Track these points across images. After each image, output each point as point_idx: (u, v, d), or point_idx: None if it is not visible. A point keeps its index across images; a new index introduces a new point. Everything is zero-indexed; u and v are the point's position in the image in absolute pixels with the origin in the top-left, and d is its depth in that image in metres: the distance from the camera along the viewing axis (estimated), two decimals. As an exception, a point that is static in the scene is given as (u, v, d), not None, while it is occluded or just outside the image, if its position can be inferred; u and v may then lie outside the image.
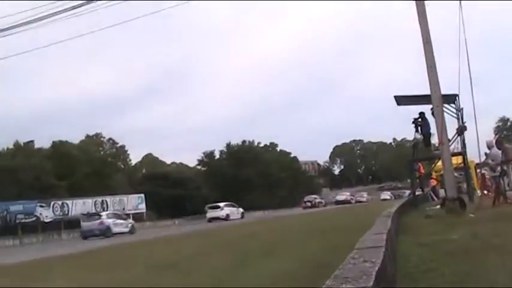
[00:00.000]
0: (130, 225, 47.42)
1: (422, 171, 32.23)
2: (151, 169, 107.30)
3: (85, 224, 45.04)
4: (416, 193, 28.91)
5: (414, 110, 25.59)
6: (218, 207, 56.13)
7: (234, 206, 58.18)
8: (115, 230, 43.93)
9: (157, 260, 14.03)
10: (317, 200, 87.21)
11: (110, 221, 44.85)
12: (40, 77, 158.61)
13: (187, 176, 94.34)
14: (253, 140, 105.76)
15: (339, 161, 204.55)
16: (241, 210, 58.10)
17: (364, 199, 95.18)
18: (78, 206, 57.70)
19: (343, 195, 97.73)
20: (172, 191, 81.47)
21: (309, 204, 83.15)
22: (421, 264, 7.27)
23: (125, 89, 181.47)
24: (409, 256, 8.07)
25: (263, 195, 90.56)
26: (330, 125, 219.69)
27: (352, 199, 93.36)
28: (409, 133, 28.30)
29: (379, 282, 3.07)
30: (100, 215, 46.05)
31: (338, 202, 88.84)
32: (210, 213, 56.21)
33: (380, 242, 4.80)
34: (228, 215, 55.06)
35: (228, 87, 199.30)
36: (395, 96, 25.02)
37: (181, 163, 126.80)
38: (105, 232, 42.85)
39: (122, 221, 46.71)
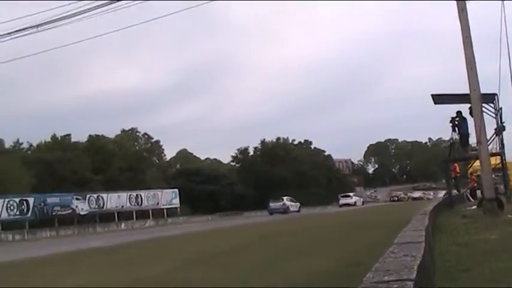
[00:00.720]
0: (298, 206, 67.83)
1: (458, 171, 31.85)
2: (185, 164, 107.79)
3: (272, 205, 65.95)
4: (452, 193, 28.60)
5: (451, 110, 25.30)
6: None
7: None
8: (291, 209, 64.24)
9: (190, 255, 14.11)
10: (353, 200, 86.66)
11: (288, 203, 66.00)
12: (77, 72, 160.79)
13: (221, 172, 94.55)
14: (287, 137, 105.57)
15: (373, 160, 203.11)
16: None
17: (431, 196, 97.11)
18: (113, 200, 58.23)
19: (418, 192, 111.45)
20: (205, 187, 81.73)
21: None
22: (458, 264, 7.20)
23: (160, 84, 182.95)
24: (446, 255, 7.99)
25: (296, 192, 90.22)
26: (364, 124, 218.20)
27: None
28: (445, 133, 28.00)
29: (420, 277, 3.04)
30: (282, 199, 66.78)
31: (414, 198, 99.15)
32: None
33: (419, 238, 4.77)
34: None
35: (264, 84, 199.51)
36: (432, 95, 24.74)
37: (215, 159, 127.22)
38: (286, 210, 62.79)
39: (294, 203, 67.47)
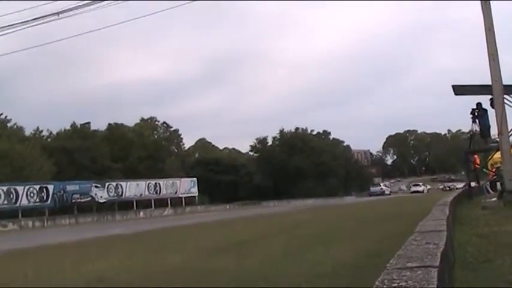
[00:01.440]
0: (389, 191, 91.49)
1: (478, 163, 31.57)
2: (204, 154, 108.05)
3: (372, 189, 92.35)
4: (472, 185, 28.40)
5: (471, 101, 25.06)
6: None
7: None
8: (386, 192, 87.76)
9: (211, 243, 14.18)
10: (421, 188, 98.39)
11: (384, 188, 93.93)
12: (98, 60, 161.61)
13: (240, 162, 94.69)
14: (306, 128, 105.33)
15: (391, 151, 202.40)
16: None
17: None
18: (132, 188, 58.59)
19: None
20: (224, 177, 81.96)
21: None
22: (479, 255, 7.19)
23: (181, 74, 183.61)
24: (466, 246, 7.98)
25: (314, 183, 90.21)
26: (383, 115, 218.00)
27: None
28: (465, 124, 27.84)
29: (443, 264, 3.07)
30: (380, 185, 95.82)
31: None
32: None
33: (441, 227, 4.78)
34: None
35: (284, 74, 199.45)
36: (453, 86, 24.50)
37: (233, 149, 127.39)
38: (382, 193, 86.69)
39: (387, 188, 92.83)
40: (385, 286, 2.39)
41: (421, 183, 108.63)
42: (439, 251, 3.18)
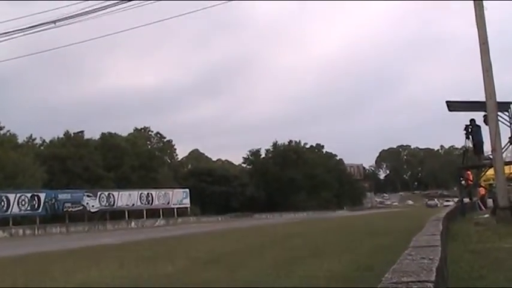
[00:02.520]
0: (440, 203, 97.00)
1: (471, 179, 31.60)
2: (197, 165, 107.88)
3: (429, 202, 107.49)
4: (465, 201, 28.43)
5: (464, 118, 25.12)
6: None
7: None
8: (438, 206, 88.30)
9: (202, 254, 14.10)
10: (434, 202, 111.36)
11: (437, 202, 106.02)
12: (92, 69, 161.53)
13: (232, 174, 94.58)
14: (299, 141, 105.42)
15: (384, 166, 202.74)
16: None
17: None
18: (124, 198, 58.44)
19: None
20: (216, 188, 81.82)
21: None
22: (472, 271, 7.17)
23: (174, 84, 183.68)
24: (459, 262, 7.96)
25: (307, 196, 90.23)
26: (377, 129, 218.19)
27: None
28: (458, 140, 27.94)
29: (439, 280, 3.03)
30: (434, 199, 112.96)
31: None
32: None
33: (435, 242, 4.75)
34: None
35: (277, 86, 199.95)
36: (447, 102, 24.57)
37: (226, 160, 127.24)
38: (436, 206, 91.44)
39: (438, 202, 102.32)
40: (381, 300, 2.36)
41: (435, 199, 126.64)
42: (435, 266, 3.15)
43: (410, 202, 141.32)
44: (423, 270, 3.02)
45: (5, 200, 46.18)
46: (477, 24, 16.05)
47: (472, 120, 24.03)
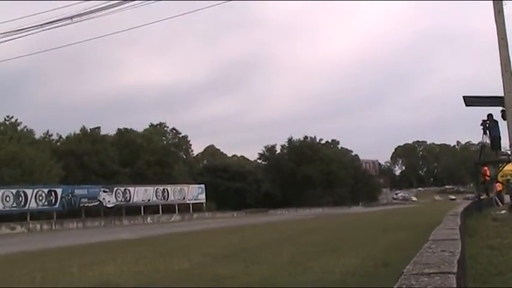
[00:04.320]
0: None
1: (488, 175, 31.36)
2: (212, 161, 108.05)
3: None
4: (481, 197, 28.21)
5: (481, 113, 24.92)
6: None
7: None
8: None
9: (218, 250, 14.12)
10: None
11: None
12: (109, 65, 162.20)
13: (248, 170, 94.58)
14: (315, 136, 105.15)
15: (400, 162, 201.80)
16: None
17: None
18: (139, 193, 58.66)
19: None
20: (232, 184, 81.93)
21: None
22: (490, 267, 7.11)
23: (190, 80, 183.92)
24: (477, 257, 7.90)
25: (322, 192, 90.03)
26: (393, 125, 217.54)
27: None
28: (474, 136, 27.76)
29: (460, 272, 3.02)
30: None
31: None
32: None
33: (454, 236, 4.72)
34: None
35: (294, 82, 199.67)
36: (464, 97, 24.39)
37: (242, 156, 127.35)
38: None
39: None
40: (403, 291, 2.35)
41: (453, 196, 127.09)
42: (456, 259, 3.13)
43: (414, 198, 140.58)
44: (444, 262, 3.00)
45: (22, 195, 46.55)
46: (496, 19, 15.91)
47: (490, 115, 23.82)
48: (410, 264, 3.06)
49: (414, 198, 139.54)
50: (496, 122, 23.24)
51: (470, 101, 25.05)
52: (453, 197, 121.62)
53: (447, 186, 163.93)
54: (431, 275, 2.63)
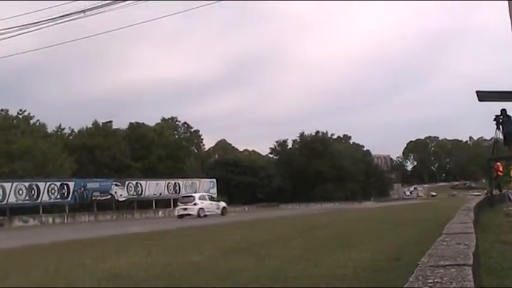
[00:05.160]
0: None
1: (501, 170, 31.21)
2: (224, 155, 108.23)
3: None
4: (494, 193, 28.13)
5: (494, 109, 24.79)
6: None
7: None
8: None
9: (230, 244, 14.13)
10: None
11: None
12: (121, 59, 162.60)
13: (259, 164, 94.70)
14: (326, 131, 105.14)
15: (412, 157, 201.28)
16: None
17: None
18: (151, 187, 58.83)
19: None
20: (243, 178, 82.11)
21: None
22: (503, 261, 7.08)
23: (201, 75, 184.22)
24: (490, 252, 7.86)
25: (333, 187, 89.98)
26: (405, 120, 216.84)
27: None
28: (487, 132, 27.62)
29: (475, 264, 3.00)
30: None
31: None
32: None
33: (469, 229, 4.70)
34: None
35: (305, 77, 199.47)
36: (477, 92, 24.25)
37: (253, 151, 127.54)
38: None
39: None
40: (419, 282, 2.34)
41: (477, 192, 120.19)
42: (471, 251, 3.12)
43: (433, 193, 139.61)
44: (460, 255, 2.99)
45: (35, 188, 46.84)
46: (510, 13, 15.79)
47: (503, 110, 23.71)
48: (426, 256, 3.04)
49: (434, 193, 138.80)
50: (509, 117, 23.14)
51: (483, 96, 24.92)
52: (477, 193, 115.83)
53: (457, 182, 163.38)
54: (447, 267, 2.62)
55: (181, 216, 41.50)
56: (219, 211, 44.70)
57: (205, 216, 40.86)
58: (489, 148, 27.93)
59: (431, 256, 3.04)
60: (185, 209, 42.23)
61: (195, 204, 42.63)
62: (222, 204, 47.13)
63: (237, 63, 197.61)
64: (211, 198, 48.89)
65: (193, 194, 48.54)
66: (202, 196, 46.85)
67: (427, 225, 15.62)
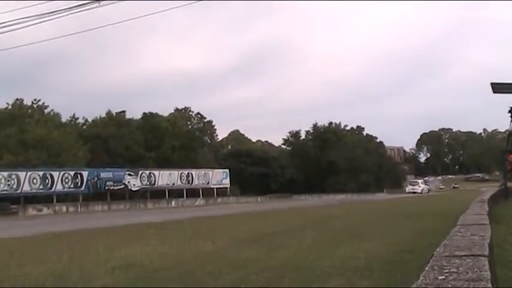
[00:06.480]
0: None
1: (516, 163, 31.01)
2: (237, 146, 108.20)
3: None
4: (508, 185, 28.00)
5: (509, 100, 24.68)
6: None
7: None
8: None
9: (243, 234, 14.17)
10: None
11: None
12: (135, 49, 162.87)
13: (272, 155, 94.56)
14: (339, 122, 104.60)
15: (425, 149, 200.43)
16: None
17: None
18: (164, 177, 58.89)
19: None
20: (256, 169, 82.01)
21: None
22: (517, 253, 7.06)
23: (215, 66, 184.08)
24: (503, 244, 7.84)
25: (346, 178, 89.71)
26: (418, 112, 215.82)
27: None
28: (502, 124, 27.41)
29: (490, 255, 3.00)
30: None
31: None
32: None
33: (483, 221, 4.69)
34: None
35: (319, 68, 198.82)
36: (492, 83, 24.15)
37: (266, 141, 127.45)
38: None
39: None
40: (435, 272, 2.34)
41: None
42: (486, 242, 3.12)
43: (455, 185, 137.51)
44: (475, 245, 2.99)
45: (49, 177, 47.06)
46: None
47: (518, 102, 23.59)
48: (441, 246, 3.05)
49: (456, 185, 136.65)
50: (525, 109, 23.01)
51: (498, 87, 24.80)
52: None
53: (471, 175, 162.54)
54: (463, 257, 2.62)
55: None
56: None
57: None
58: (503, 140, 27.79)
59: (447, 246, 3.04)
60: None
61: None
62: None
63: (251, 54, 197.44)
64: None
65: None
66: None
67: (438, 217, 15.58)
